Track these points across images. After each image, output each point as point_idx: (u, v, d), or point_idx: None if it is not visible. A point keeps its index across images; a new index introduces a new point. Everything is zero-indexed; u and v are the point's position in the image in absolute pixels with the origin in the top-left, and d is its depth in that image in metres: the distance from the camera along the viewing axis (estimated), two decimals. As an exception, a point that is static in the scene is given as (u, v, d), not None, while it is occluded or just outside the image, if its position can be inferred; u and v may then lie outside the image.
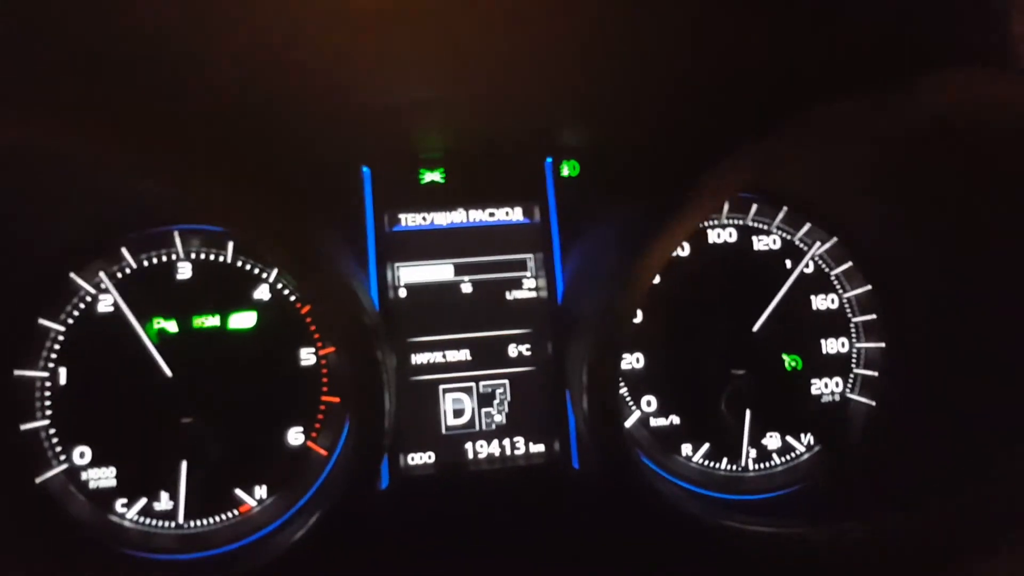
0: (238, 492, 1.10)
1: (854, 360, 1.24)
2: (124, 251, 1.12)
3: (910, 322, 1.21)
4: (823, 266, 1.26)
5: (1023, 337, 1.05)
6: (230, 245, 1.14)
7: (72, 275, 1.10)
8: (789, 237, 1.26)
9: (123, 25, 0.83)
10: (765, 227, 1.26)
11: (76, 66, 0.87)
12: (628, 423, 1.19)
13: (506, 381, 1.18)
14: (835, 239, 1.25)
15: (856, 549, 0.99)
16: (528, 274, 1.20)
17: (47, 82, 0.87)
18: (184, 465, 1.08)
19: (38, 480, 1.07)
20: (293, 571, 0.94)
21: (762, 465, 1.21)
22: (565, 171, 1.23)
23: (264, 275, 1.14)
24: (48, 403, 1.09)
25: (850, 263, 1.25)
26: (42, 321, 1.09)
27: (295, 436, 1.12)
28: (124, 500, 1.09)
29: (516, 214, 1.21)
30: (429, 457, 1.15)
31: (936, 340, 1.18)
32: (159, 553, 1.07)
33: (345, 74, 0.99)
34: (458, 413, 1.17)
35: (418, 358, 1.17)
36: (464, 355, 1.18)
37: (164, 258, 1.13)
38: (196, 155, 0.91)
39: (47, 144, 0.80)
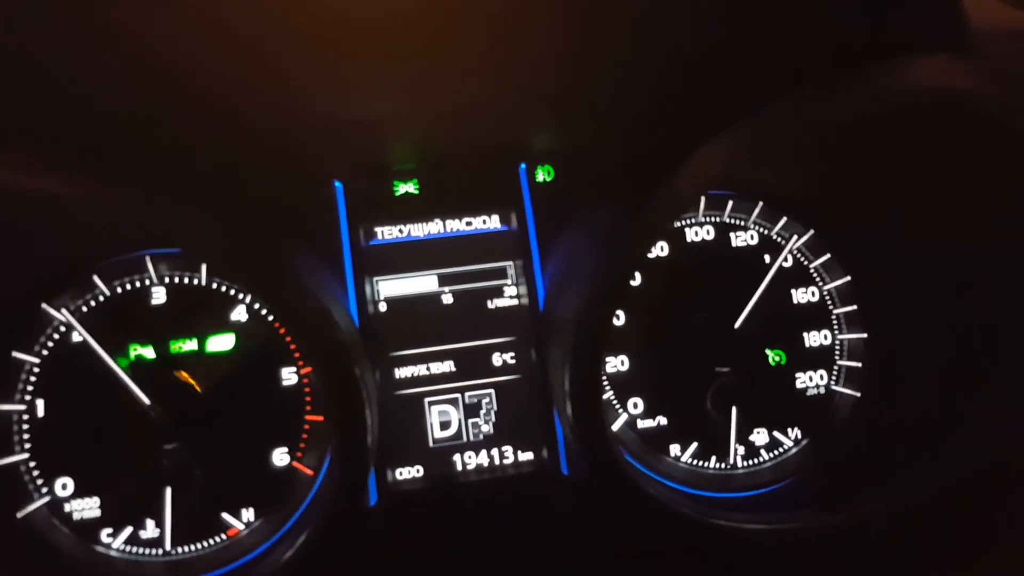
0: (225, 516, 1.09)
1: (837, 352, 1.25)
2: (96, 279, 1.10)
3: (891, 311, 1.21)
4: (802, 259, 1.26)
5: (1004, 321, 1.06)
6: (203, 267, 1.12)
7: (44, 306, 1.09)
8: (766, 232, 1.26)
9: (81, 38, 0.82)
10: (742, 223, 1.26)
11: (32, 87, 0.86)
12: (615, 426, 1.19)
13: (492, 390, 1.17)
14: (812, 231, 1.25)
15: (848, 541, 0.99)
16: (509, 281, 1.20)
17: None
18: (168, 491, 1.06)
19: (20, 515, 1.05)
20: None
21: (751, 461, 1.21)
22: (540, 176, 1.22)
23: (240, 296, 1.13)
24: (27, 436, 1.07)
25: (828, 255, 1.25)
26: (16, 354, 1.08)
27: (280, 457, 1.11)
28: (109, 530, 1.08)
29: (493, 222, 1.21)
30: (417, 471, 1.15)
31: (918, 327, 1.18)
32: (148, 582, 1.06)
33: (313, 88, 0.98)
34: (445, 425, 1.16)
35: (401, 372, 1.16)
36: (448, 366, 1.17)
37: (137, 284, 1.12)
38: (158, 176, 0.90)
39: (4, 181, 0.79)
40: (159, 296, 1.12)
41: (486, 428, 1.17)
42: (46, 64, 0.84)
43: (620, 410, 1.19)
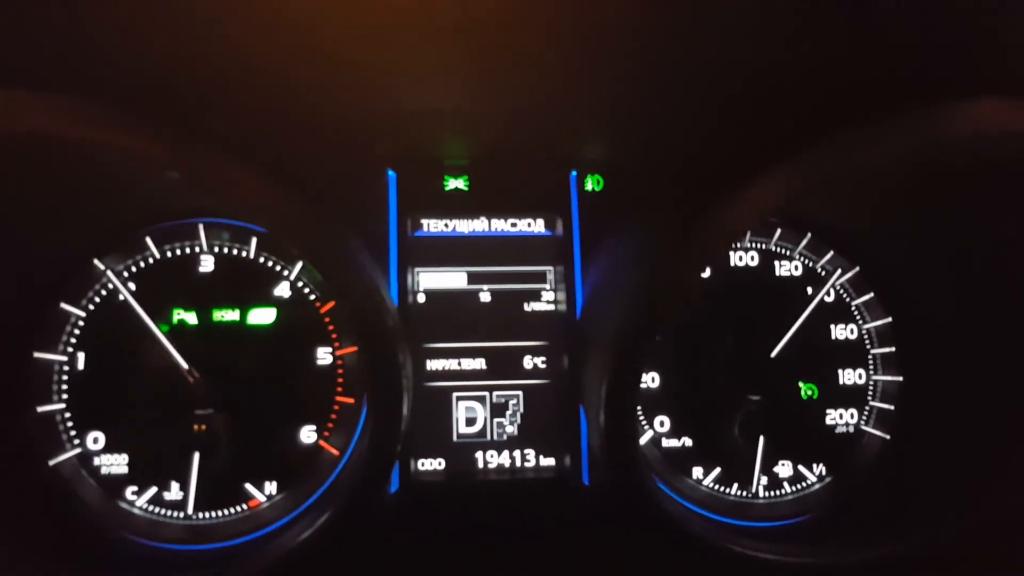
0: (248, 487, 1.11)
1: (871, 392, 1.23)
2: (148, 241, 1.13)
3: (929, 357, 1.20)
4: (844, 295, 1.25)
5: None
6: (253, 241, 1.14)
7: (95, 261, 1.11)
8: (811, 264, 1.25)
9: (155, 22, 0.83)
10: (788, 252, 1.25)
11: (113, 61, 0.88)
12: (641, 442, 1.18)
13: (520, 392, 1.18)
14: (857, 268, 1.24)
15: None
16: (547, 287, 1.20)
17: (83, 73, 0.88)
18: (196, 456, 1.08)
19: (51, 462, 1.08)
20: (298, 570, 0.94)
21: (772, 493, 1.20)
22: (589, 185, 1.23)
23: (286, 272, 1.15)
24: (65, 387, 1.10)
25: (871, 294, 1.24)
26: (64, 305, 1.10)
27: (308, 434, 1.12)
28: (135, 488, 1.10)
29: (538, 226, 1.22)
30: (439, 464, 1.15)
31: (954, 376, 1.17)
32: (166, 542, 1.08)
33: (375, 80, 1.00)
34: (470, 421, 1.17)
35: (433, 364, 1.17)
36: (479, 364, 1.18)
37: (187, 250, 1.14)
38: (227, 152, 0.92)
39: (76, 136, 0.81)
40: (207, 264, 1.14)
41: (511, 429, 1.17)
42: (135, 32, 0.86)
43: (646, 427, 1.19)
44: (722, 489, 1.19)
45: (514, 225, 1.21)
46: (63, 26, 0.82)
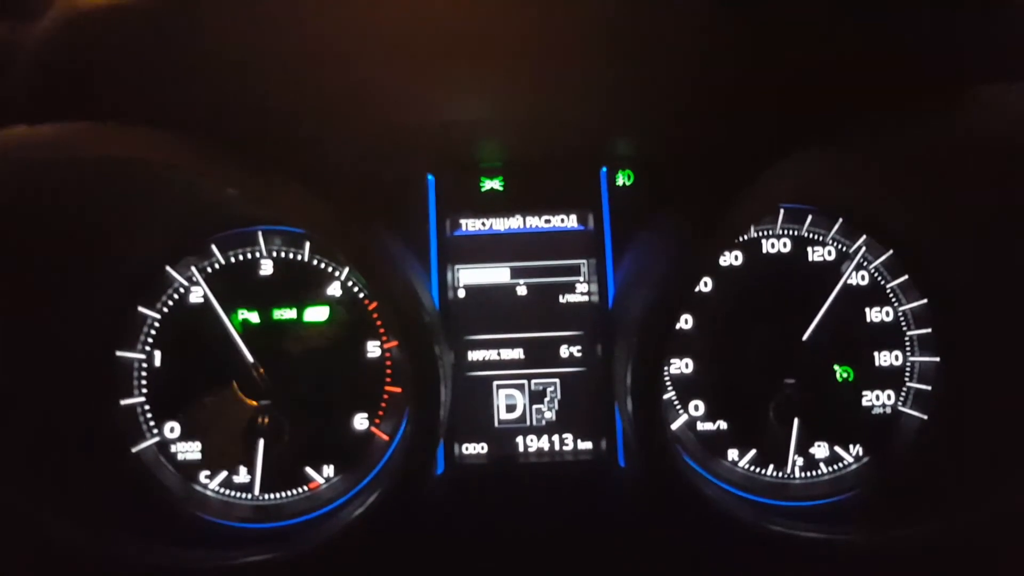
0: (308, 470, 1.21)
1: (907, 373, 1.24)
2: (213, 248, 1.23)
3: (965, 337, 1.20)
4: (879, 278, 1.26)
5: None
6: (307, 245, 1.24)
7: (168, 268, 1.23)
8: (845, 249, 1.26)
9: (204, 38, 0.92)
10: (820, 238, 1.27)
11: (179, 87, 0.98)
12: (675, 425, 1.22)
13: (557, 380, 1.24)
14: (891, 252, 1.25)
15: (902, 557, 0.99)
16: (581, 279, 1.26)
17: (147, 101, 0.98)
18: (261, 443, 1.18)
19: (134, 450, 1.20)
20: (354, 545, 1.02)
21: (809, 473, 1.22)
22: (620, 180, 1.27)
23: (337, 273, 1.24)
24: (144, 382, 1.21)
25: (906, 276, 1.24)
26: (141, 309, 1.22)
27: (360, 421, 1.21)
28: (207, 472, 1.21)
29: (571, 221, 1.27)
30: (482, 448, 1.22)
31: (992, 356, 1.16)
32: (236, 521, 1.18)
33: (415, 92, 1.07)
34: (510, 408, 1.24)
35: (474, 355, 1.24)
36: (517, 354, 1.24)
37: (248, 255, 1.24)
38: (271, 164, 1.00)
39: (152, 160, 0.91)
40: (267, 268, 1.24)
41: (549, 415, 1.23)
42: (182, 57, 0.96)
43: (681, 411, 1.23)
44: (758, 470, 1.22)
45: (548, 221, 1.27)
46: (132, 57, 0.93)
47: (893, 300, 1.26)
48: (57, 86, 0.94)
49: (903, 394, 1.24)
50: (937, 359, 1.23)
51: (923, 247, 1.24)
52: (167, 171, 0.93)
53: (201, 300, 1.22)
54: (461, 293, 1.25)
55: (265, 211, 0.94)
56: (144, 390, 1.21)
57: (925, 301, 1.24)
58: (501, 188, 1.28)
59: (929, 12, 0.94)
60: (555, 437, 1.23)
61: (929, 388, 1.23)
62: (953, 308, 1.22)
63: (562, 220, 1.27)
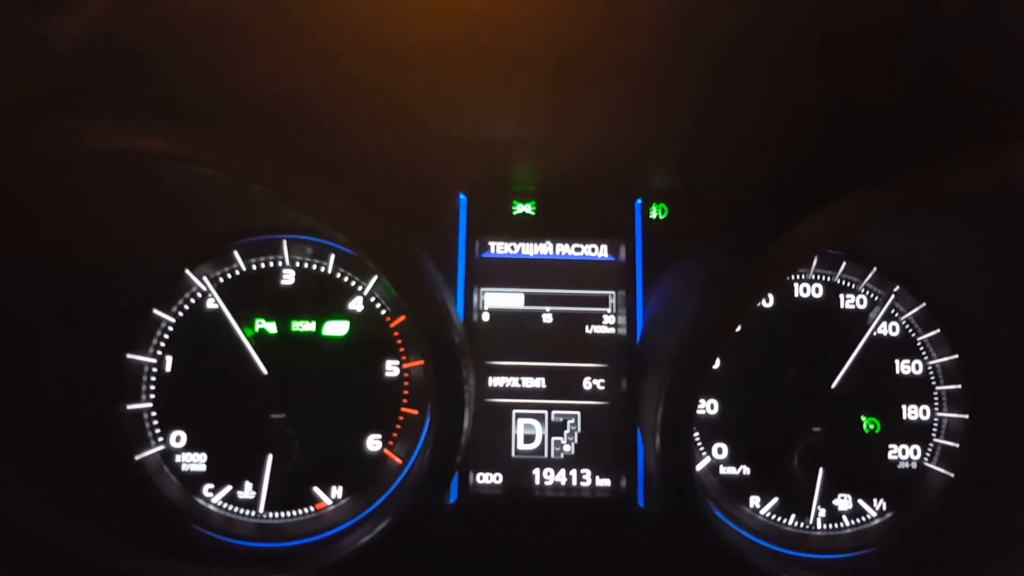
0: (316, 490, 1.16)
1: (935, 429, 1.22)
2: (235, 254, 1.20)
3: (996, 395, 1.18)
4: (910, 331, 1.24)
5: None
6: (332, 257, 1.21)
7: (186, 271, 1.19)
8: (877, 298, 1.24)
9: (242, 36, 0.90)
10: (853, 285, 1.25)
11: (207, 88, 0.96)
12: (697, 468, 1.19)
13: (578, 412, 1.21)
14: (924, 304, 1.23)
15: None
16: (609, 310, 1.23)
17: (172, 99, 0.96)
18: (269, 458, 1.14)
19: (137, 457, 1.15)
20: (359, 572, 0.98)
21: (831, 525, 1.19)
22: (654, 213, 1.25)
23: (360, 288, 1.21)
24: (153, 387, 1.18)
25: (938, 330, 1.23)
26: (155, 311, 1.18)
27: (373, 442, 1.17)
28: (211, 485, 1.16)
29: (602, 251, 1.25)
30: (497, 478, 1.19)
31: (1022, 415, 1.14)
32: (237, 539, 1.14)
33: (450, 109, 1.05)
34: (529, 439, 1.20)
35: (495, 381, 1.21)
36: (539, 383, 1.21)
37: (271, 264, 1.21)
38: (313, 172, 0.98)
39: (173, 155, 0.88)
40: (288, 277, 1.21)
41: (568, 448, 1.20)
42: (225, 61, 0.93)
43: (704, 453, 1.20)
44: (779, 519, 1.19)
45: (578, 250, 1.25)
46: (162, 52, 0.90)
47: (923, 353, 1.24)
48: (88, 79, 0.92)
49: (930, 450, 1.21)
50: (966, 416, 1.21)
51: (956, 301, 1.22)
52: (198, 168, 0.90)
53: (217, 307, 1.19)
54: (486, 317, 1.22)
55: (301, 214, 0.91)
56: (152, 396, 1.18)
57: (956, 356, 1.22)
58: (533, 213, 1.26)
59: (984, 61, 0.93)
60: (573, 472, 1.19)
61: (957, 445, 1.20)
62: (984, 365, 1.20)
63: (593, 249, 1.25)
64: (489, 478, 1.19)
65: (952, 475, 1.19)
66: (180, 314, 1.19)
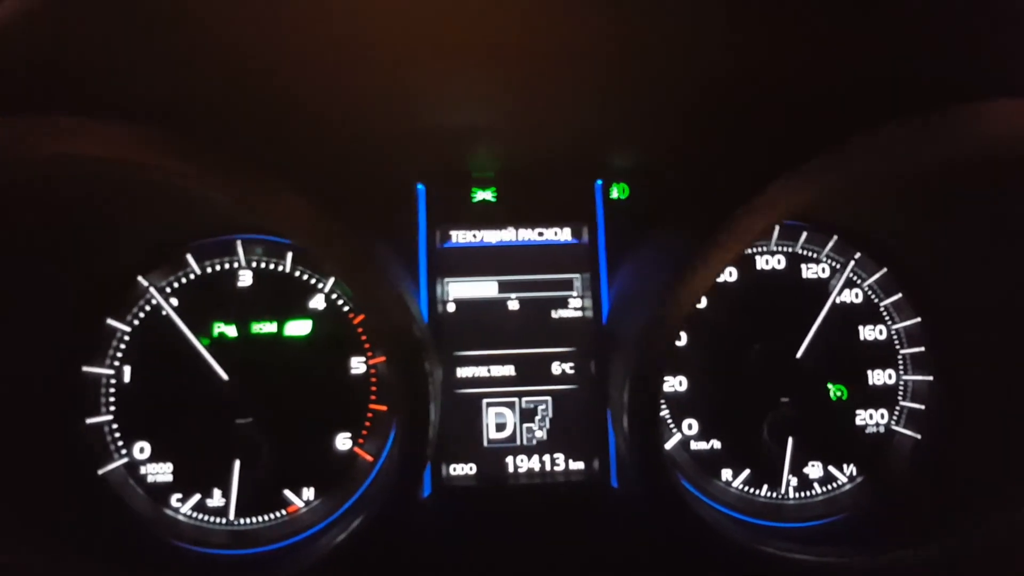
0: (287, 493, 1.15)
1: (901, 392, 1.23)
2: (189, 258, 1.17)
3: (959, 356, 1.19)
4: (872, 297, 1.25)
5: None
6: (289, 255, 1.18)
7: (139, 278, 1.16)
8: (839, 266, 1.25)
9: (189, 33, 0.88)
10: (815, 255, 1.26)
11: (146, 79, 0.93)
12: (668, 445, 1.20)
13: (548, 398, 1.20)
14: (885, 270, 1.24)
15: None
16: (574, 294, 1.22)
17: (125, 95, 0.93)
18: (237, 464, 1.12)
19: (100, 472, 1.13)
20: (336, 572, 0.97)
21: (803, 494, 1.20)
22: (615, 193, 1.25)
23: (320, 285, 1.18)
24: (112, 399, 1.15)
25: (900, 294, 1.24)
26: (110, 321, 1.15)
27: (343, 441, 1.16)
28: (179, 495, 1.14)
29: (565, 234, 1.24)
30: (470, 469, 1.18)
31: (986, 374, 1.16)
32: (209, 547, 1.12)
33: (405, 98, 1.03)
34: (500, 427, 1.19)
35: (463, 371, 1.20)
36: (508, 370, 1.20)
37: (227, 266, 1.18)
38: (259, 168, 0.95)
39: (128, 161, 0.85)
40: (245, 279, 1.18)
41: (540, 434, 1.19)
42: (170, 54, 0.90)
43: (674, 430, 1.20)
44: (752, 491, 1.20)
45: (541, 234, 1.24)
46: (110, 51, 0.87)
47: (886, 318, 1.25)
48: (26, 76, 0.88)
49: (896, 413, 1.23)
50: (931, 378, 1.22)
51: (917, 265, 1.23)
52: (143, 172, 0.87)
53: (174, 313, 1.16)
54: (451, 307, 1.21)
55: (246, 215, 0.89)
56: (112, 408, 1.15)
57: (919, 320, 1.23)
58: (493, 199, 1.24)
59: (935, 26, 0.93)
60: (546, 457, 1.19)
61: (923, 407, 1.22)
62: (947, 327, 1.21)
63: (555, 233, 1.24)
64: (462, 469, 1.18)
65: (919, 436, 1.21)
66: (135, 323, 1.16)
